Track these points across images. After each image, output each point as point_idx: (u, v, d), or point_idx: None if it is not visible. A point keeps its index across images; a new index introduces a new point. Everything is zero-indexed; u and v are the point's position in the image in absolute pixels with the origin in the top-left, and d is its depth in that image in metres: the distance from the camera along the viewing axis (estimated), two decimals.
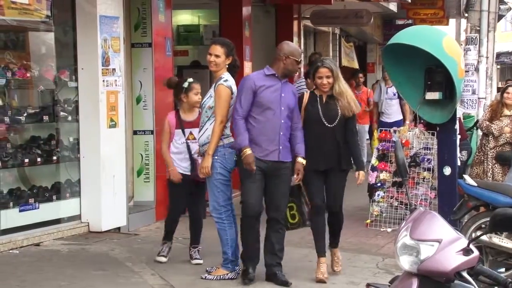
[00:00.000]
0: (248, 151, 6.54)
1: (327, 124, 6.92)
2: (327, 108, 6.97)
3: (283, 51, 6.83)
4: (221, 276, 6.84)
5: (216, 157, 6.75)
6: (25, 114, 8.57)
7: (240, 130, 6.58)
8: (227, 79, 6.77)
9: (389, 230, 9.39)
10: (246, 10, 12.59)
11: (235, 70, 6.99)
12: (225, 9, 12.58)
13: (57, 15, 8.80)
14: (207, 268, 7.00)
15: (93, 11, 8.59)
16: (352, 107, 6.97)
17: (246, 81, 6.76)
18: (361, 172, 7.05)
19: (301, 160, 6.80)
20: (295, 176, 6.84)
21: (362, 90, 16.01)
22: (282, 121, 6.67)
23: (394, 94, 13.62)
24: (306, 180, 6.96)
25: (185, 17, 14.50)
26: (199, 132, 7.00)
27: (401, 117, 13.76)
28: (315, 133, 6.93)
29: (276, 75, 6.74)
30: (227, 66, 6.85)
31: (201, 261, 7.35)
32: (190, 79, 7.51)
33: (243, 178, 6.72)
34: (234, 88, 6.81)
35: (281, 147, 6.68)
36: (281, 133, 6.67)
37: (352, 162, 7.12)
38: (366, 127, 15.84)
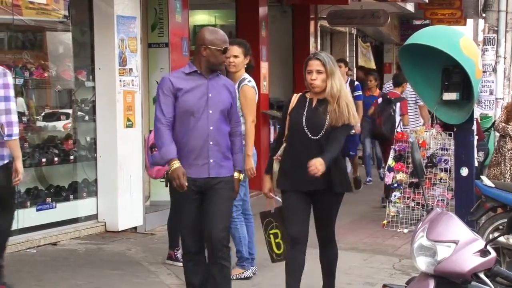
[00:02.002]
0: (176, 163, 5.26)
1: (310, 135, 5.56)
2: (314, 115, 5.59)
3: (201, 40, 5.47)
4: (237, 275, 6.85)
5: None
6: (42, 114, 8.64)
7: (165, 141, 5.33)
8: (250, 80, 6.82)
9: (405, 231, 9.36)
10: (262, 10, 12.61)
11: (250, 70, 7.03)
12: (241, 9, 12.61)
13: (75, 15, 8.84)
14: None
15: (110, 11, 8.63)
16: (345, 116, 5.54)
17: (162, 82, 5.48)
18: (320, 159, 5.39)
19: (237, 176, 5.47)
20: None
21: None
22: (211, 128, 5.34)
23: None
24: (284, 203, 5.75)
25: (201, 17, 14.53)
26: None
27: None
28: (297, 146, 5.61)
29: (199, 71, 5.43)
30: (245, 66, 6.88)
31: None
32: None
33: (174, 204, 5.52)
34: (256, 89, 6.86)
35: (211, 160, 5.36)
36: (211, 143, 5.35)
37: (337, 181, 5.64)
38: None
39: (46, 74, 8.57)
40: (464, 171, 7.71)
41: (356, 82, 12.27)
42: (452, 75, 7.56)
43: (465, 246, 3.72)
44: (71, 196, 8.65)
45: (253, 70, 7.18)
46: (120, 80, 8.67)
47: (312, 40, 15.36)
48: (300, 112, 5.62)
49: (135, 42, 8.93)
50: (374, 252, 8.33)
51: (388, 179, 9.82)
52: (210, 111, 5.35)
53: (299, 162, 5.50)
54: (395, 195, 9.73)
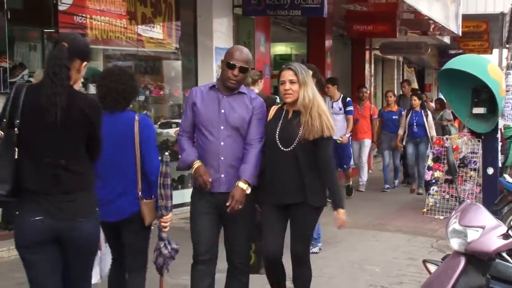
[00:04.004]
0: (197, 163, 4.23)
1: (281, 147, 4.31)
2: (287, 127, 4.35)
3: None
4: None
5: None
6: (159, 123, 8.82)
7: (184, 146, 4.33)
8: None
9: (441, 217, 9.17)
10: (328, 43, 12.58)
11: (319, 88, 7.01)
12: (311, 42, 12.61)
13: (183, 47, 9.01)
14: None
15: (210, 44, 8.76)
16: (316, 128, 4.25)
17: (189, 94, 4.45)
18: (340, 211, 4.32)
19: (241, 185, 4.17)
20: (229, 204, 4.20)
21: (365, 106, 11.94)
22: (222, 143, 4.23)
23: (340, 109, 10.06)
24: (262, 217, 4.46)
25: (280, 48, 14.57)
26: None
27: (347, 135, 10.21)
28: (272, 159, 4.35)
29: (217, 86, 4.32)
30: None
31: None
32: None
33: (190, 213, 4.44)
34: None
35: (222, 175, 4.24)
36: (222, 158, 4.22)
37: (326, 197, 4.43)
38: (368, 141, 11.72)
39: (161, 93, 8.75)
40: (490, 171, 7.51)
41: (348, 98, 10.17)
42: (481, 94, 7.38)
43: (491, 230, 3.64)
44: (180, 186, 8.80)
45: (323, 88, 7.19)
46: None
47: (367, 66, 15.24)
48: (275, 124, 4.39)
49: None
50: (416, 234, 8.18)
51: (428, 176, 9.68)
52: (222, 127, 4.22)
53: (274, 175, 4.31)
54: (433, 189, 9.56)
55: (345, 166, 10.25)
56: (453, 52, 22.08)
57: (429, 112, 11.61)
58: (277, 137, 4.34)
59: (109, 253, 4.26)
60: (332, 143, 4.41)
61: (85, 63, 3.37)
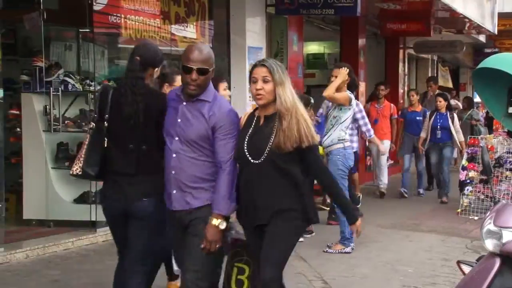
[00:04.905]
0: None
1: (251, 159, 3.57)
2: (257, 135, 3.61)
3: None
4: (339, 250, 6.80)
5: (338, 157, 6.74)
6: None
7: None
8: (351, 92, 6.86)
9: (476, 218, 9.03)
10: (361, 42, 12.49)
11: (354, 88, 7.05)
12: (344, 41, 12.54)
13: (217, 46, 9.02)
14: (328, 244, 6.96)
15: (242, 43, 8.77)
16: (295, 137, 3.52)
17: None
18: (356, 225, 3.72)
19: (213, 222, 3.53)
20: (202, 244, 3.55)
21: (384, 105, 11.02)
22: (174, 156, 3.63)
23: None
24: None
25: (313, 47, 14.52)
26: (323, 136, 6.94)
27: None
28: (241, 173, 3.65)
29: (179, 93, 3.72)
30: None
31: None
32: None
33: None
34: (354, 101, 6.85)
35: (174, 191, 3.64)
36: (173, 172, 3.63)
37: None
38: (387, 143, 10.70)
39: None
40: None
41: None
42: None
43: None
44: None
45: (356, 88, 7.20)
46: (249, 96, 8.74)
47: (401, 65, 15.09)
48: (244, 133, 3.64)
49: None
50: (450, 234, 8.07)
51: (462, 176, 9.56)
52: (176, 138, 3.63)
53: (244, 192, 3.61)
54: (467, 189, 9.43)
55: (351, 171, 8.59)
56: (488, 50, 21.73)
57: (455, 115, 10.66)
58: (245, 147, 3.59)
59: None
60: (318, 150, 3.73)
61: (157, 68, 3.88)
